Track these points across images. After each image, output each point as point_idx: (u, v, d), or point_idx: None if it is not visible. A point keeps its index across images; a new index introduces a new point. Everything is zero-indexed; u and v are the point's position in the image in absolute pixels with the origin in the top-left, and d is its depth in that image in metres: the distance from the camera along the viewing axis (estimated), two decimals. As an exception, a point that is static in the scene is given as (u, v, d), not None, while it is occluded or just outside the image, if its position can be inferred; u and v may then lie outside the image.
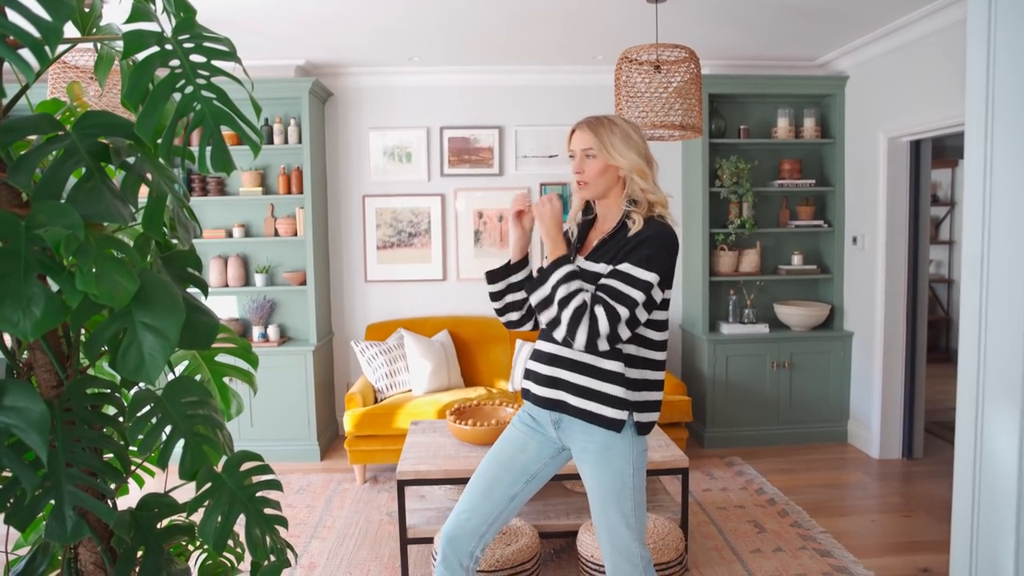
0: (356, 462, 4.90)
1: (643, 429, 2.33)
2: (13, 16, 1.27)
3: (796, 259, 5.86)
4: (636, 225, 2.27)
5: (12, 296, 1.25)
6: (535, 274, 2.41)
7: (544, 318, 2.29)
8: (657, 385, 2.36)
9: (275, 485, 1.74)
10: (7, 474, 1.38)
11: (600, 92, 5.83)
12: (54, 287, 1.42)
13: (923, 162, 5.17)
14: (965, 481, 1.71)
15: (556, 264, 2.27)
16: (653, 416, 2.36)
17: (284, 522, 1.73)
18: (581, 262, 2.38)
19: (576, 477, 3.62)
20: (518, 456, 2.46)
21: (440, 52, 5.35)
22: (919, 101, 4.75)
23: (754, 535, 4.05)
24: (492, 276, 2.51)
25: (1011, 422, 1.59)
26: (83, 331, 1.62)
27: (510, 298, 2.51)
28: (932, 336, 6.09)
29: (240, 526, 1.57)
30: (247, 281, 5.69)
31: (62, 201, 1.36)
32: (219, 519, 1.58)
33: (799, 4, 4.38)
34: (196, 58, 1.52)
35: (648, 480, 4.05)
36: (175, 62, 1.49)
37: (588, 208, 2.53)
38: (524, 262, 2.51)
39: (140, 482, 1.95)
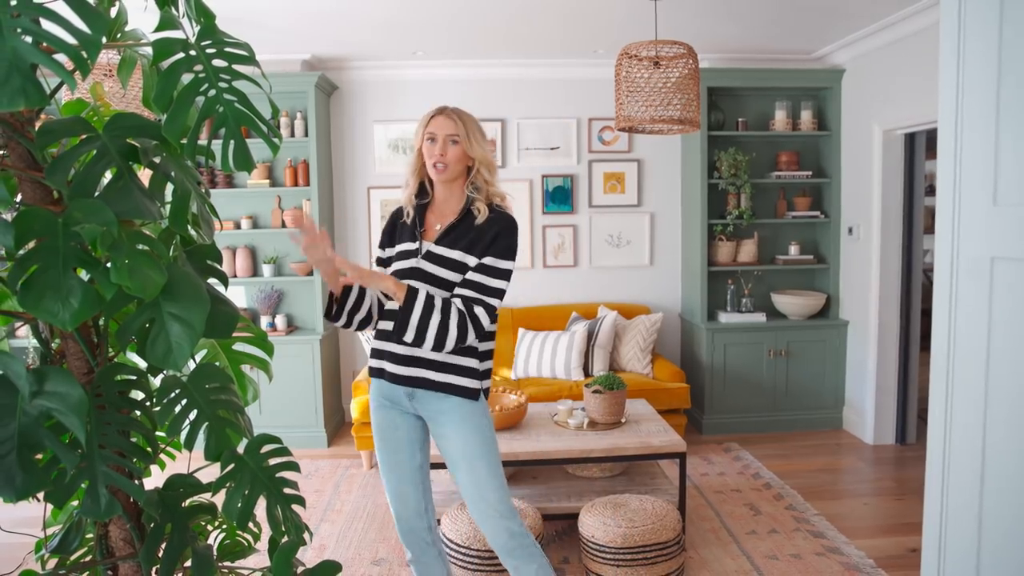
0: (363, 448, 5.01)
1: (487, 395, 2.60)
2: (46, 24, 1.35)
3: (793, 249, 5.96)
4: (482, 214, 2.47)
5: (52, 289, 1.33)
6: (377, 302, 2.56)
7: (428, 345, 2.34)
8: (493, 354, 2.62)
9: (293, 466, 1.83)
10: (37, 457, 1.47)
11: (600, 85, 5.92)
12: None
13: (917, 154, 5.26)
14: (936, 462, 1.82)
15: (407, 305, 2.32)
16: (489, 382, 2.61)
17: (302, 501, 1.82)
18: (431, 247, 2.49)
19: (578, 460, 3.74)
20: (396, 435, 2.61)
21: (443, 46, 5.43)
22: (913, 95, 4.83)
23: (750, 518, 4.16)
24: (335, 315, 2.53)
25: (976, 400, 1.70)
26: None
27: (356, 318, 2.55)
28: (925, 324, 6.15)
29: (259, 507, 1.66)
30: (255, 272, 5.79)
31: (95, 199, 1.45)
32: (242, 498, 1.68)
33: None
34: (218, 63, 1.60)
35: (647, 464, 4.19)
36: (199, 67, 1.57)
37: (421, 192, 2.62)
38: (346, 287, 2.50)
39: (162, 465, 2.04)
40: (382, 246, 2.68)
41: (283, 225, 5.70)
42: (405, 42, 5.29)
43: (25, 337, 4.38)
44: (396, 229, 2.64)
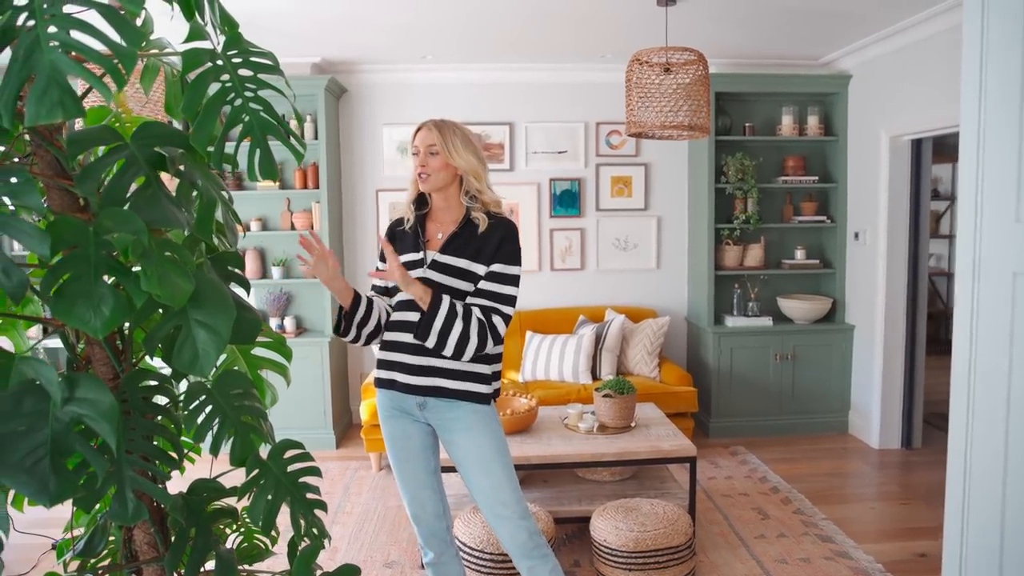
0: (372, 450, 5.03)
1: (497, 396, 2.63)
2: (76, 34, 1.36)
3: (799, 254, 5.97)
4: (483, 223, 2.51)
5: (84, 297, 1.34)
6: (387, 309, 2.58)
7: (448, 352, 2.40)
8: (501, 357, 2.65)
9: (314, 471, 1.85)
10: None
11: (607, 89, 5.95)
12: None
13: (924, 160, 5.27)
14: (957, 466, 1.84)
15: (431, 310, 2.37)
16: (499, 383, 2.64)
17: (324, 506, 1.85)
18: (437, 256, 2.52)
19: (590, 464, 3.76)
20: (409, 444, 2.62)
21: (453, 50, 5.45)
22: (921, 101, 4.85)
23: (758, 521, 4.18)
24: (344, 331, 2.56)
25: (998, 410, 1.71)
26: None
27: (365, 332, 2.57)
28: (931, 328, 6.19)
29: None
30: (264, 274, 5.81)
31: (125, 208, 1.46)
32: (266, 503, 1.70)
33: (804, 6, 4.47)
34: (243, 72, 1.61)
35: (656, 468, 4.20)
36: (225, 77, 1.59)
37: (421, 201, 2.66)
38: (355, 298, 2.53)
39: (181, 469, 2.06)
40: (382, 259, 2.69)
41: (292, 227, 5.72)
42: (415, 46, 5.31)
43: (34, 338, 4.39)
44: (395, 241, 2.67)
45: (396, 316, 2.58)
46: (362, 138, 6.04)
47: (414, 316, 2.48)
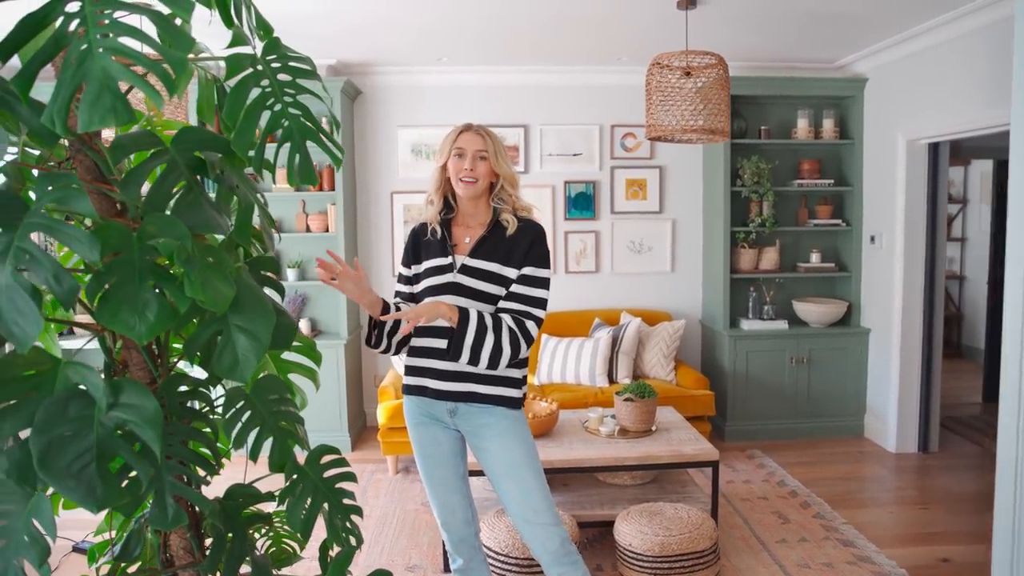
0: (389, 453, 5.03)
1: (523, 401, 2.62)
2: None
3: (814, 257, 5.96)
4: (512, 225, 2.51)
5: (129, 302, 1.34)
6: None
7: (483, 365, 2.38)
8: (528, 361, 2.62)
9: (350, 477, 1.85)
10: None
11: (623, 91, 5.96)
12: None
13: (940, 163, 5.25)
14: (1007, 471, 1.82)
15: (460, 329, 2.34)
16: (526, 387, 2.66)
17: (360, 512, 1.85)
18: (467, 260, 2.50)
19: (612, 469, 3.75)
20: (439, 450, 2.61)
21: (469, 52, 5.44)
22: (938, 105, 4.83)
23: (779, 526, 4.17)
24: (375, 343, 2.55)
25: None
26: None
27: (395, 340, 2.54)
28: (944, 332, 6.17)
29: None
30: (279, 276, 5.79)
31: (169, 214, 1.46)
32: (304, 508, 1.70)
33: (820, 10, 4.46)
34: (282, 77, 1.61)
35: (676, 472, 4.19)
36: (265, 82, 1.58)
37: (447, 207, 2.63)
38: (385, 308, 2.47)
39: (214, 474, 2.05)
40: (406, 264, 2.67)
41: (307, 229, 5.72)
42: (432, 48, 5.30)
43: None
44: (420, 246, 2.63)
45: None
46: (376, 140, 6.04)
47: (443, 321, 2.47)
